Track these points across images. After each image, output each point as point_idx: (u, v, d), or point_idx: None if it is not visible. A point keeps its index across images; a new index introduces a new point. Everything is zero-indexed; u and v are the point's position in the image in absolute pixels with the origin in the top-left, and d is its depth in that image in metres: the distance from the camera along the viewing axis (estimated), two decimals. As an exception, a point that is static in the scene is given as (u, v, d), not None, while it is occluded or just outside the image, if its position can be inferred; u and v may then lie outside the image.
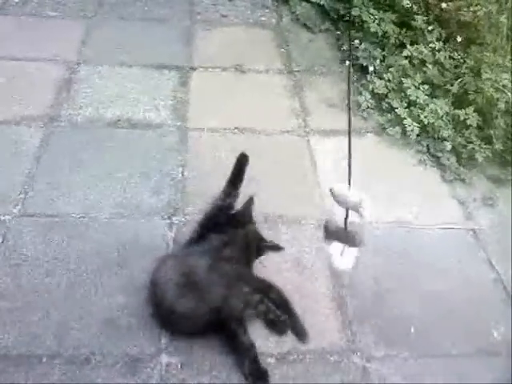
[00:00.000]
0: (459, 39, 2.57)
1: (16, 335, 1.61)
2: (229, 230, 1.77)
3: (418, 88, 2.53)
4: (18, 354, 1.57)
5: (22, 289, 1.74)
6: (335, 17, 3.26)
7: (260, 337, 1.67)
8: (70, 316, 1.67)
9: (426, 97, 2.50)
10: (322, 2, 3.27)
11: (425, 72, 2.61)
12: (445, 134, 2.40)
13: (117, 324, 1.66)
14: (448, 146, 2.38)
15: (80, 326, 1.65)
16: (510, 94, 2.35)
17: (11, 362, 1.54)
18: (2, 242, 1.86)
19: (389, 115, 2.55)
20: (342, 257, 1.44)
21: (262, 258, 1.89)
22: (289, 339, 1.68)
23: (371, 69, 2.72)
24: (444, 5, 2.67)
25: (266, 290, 1.72)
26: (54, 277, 1.78)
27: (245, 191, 2.14)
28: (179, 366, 1.57)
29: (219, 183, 2.17)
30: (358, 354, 1.67)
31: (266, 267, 1.89)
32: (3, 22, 3.05)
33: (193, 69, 2.88)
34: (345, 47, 3.03)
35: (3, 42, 2.89)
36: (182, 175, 2.22)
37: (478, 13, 2.55)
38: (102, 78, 2.72)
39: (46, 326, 1.64)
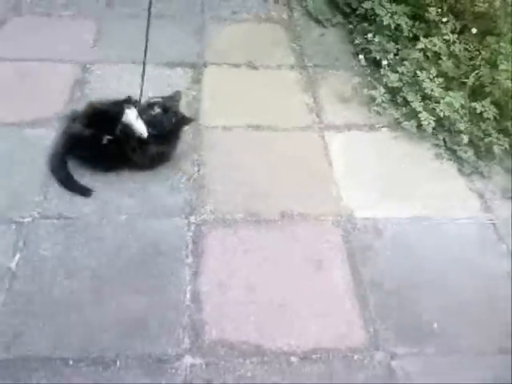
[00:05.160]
0: (474, 31, 2.53)
1: (41, 338, 1.63)
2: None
3: (433, 81, 2.50)
4: (44, 356, 1.59)
5: (45, 291, 1.76)
6: (347, 10, 3.23)
7: (284, 336, 1.67)
8: (93, 318, 1.69)
9: (441, 90, 2.48)
10: (333, -4, 3.25)
11: (439, 65, 2.58)
12: (461, 126, 2.38)
13: (140, 325, 1.68)
14: (465, 138, 2.36)
15: (103, 328, 1.66)
16: (527, 84, 2.32)
17: (38, 365, 1.57)
18: (24, 245, 1.88)
19: (404, 109, 2.53)
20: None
21: (280, 256, 1.90)
22: (311, 337, 1.68)
23: (385, 62, 2.69)
24: (458, -4, 2.64)
25: None
26: (75, 279, 1.79)
27: (259, 188, 2.15)
28: (203, 366, 1.58)
29: (236, 180, 2.19)
30: (382, 351, 1.68)
31: (284, 264, 1.89)
32: (17, 22, 3.05)
33: (205, 65, 2.87)
34: (357, 41, 3.00)
35: (17, 43, 2.89)
36: (198, 173, 2.22)
37: (494, 3, 2.51)
38: (115, 77, 2.71)
39: (70, 328, 1.66)
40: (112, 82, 2.68)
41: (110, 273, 1.82)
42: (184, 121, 2.23)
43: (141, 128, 2.09)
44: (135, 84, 2.65)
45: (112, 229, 1.96)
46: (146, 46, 2.17)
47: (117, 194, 2.10)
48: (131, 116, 2.09)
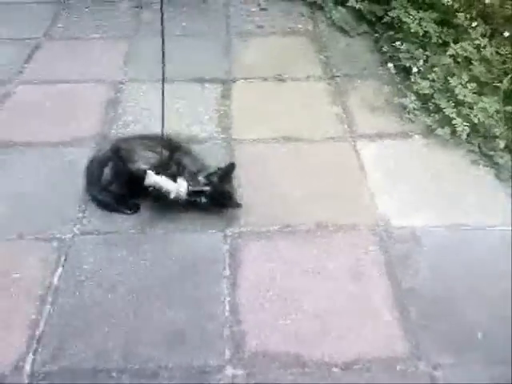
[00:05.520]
0: (507, 34, 2.50)
1: (84, 350, 1.65)
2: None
3: (465, 86, 2.47)
4: (87, 368, 1.61)
5: (87, 304, 1.79)
6: (372, 19, 3.24)
7: (324, 346, 1.66)
8: (135, 330, 1.71)
9: (474, 95, 2.45)
10: (357, 6, 3.25)
11: (471, 70, 2.55)
12: (497, 132, 2.34)
13: (180, 337, 1.69)
14: (501, 144, 2.32)
15: (145, 340, 1.68)
16: None
17: (82, 376, 1.59)
18: (65, 261, 1.92)
19: (436, 116, 2.50)
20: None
21: (317, 266, 1.91)
22: (352, 347, 1.67)
23: (415, 69, 2.68)
24: (487, 0, 2.61)
25: None
26: (116, 292, 1.82)
27: (293, 199, 2.16)
28: (245, 377, 1.58)
29: (270, 192, 2.20)
30: (425, 361, 1.64)
31: (322, 275, 1.88)
32: (50, 46, 3.16)
33: (233, 81, 2.91)
34: (384, 49, 3.00)
35: (51, 66, 2.99)
36: (232, 187, 2.24)
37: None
38: (146, 95, 2.77)
39: (112, 340, 1.68)
40: (143, 101, 2.73)
41: (150, 286, 1.84)
42: (231, 204, 2.09)
43: (168, 186, 1.98)
44: (166, 102, 2.72)
45: (150, 243, 1.99)
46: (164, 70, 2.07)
47: (154, 209, 2.13)
48: (153, 177, 1.98)
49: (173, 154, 2.12)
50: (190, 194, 2.02)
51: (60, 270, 1.89)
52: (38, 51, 3.13)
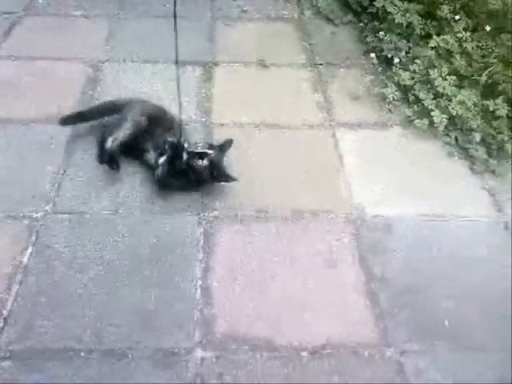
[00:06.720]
0: (488, 28, 2.52)
1: (53, 330, 1.64)
2: None
3: (445, 79, 2.49)
4: (56, 348, 1.60)
5: (57, 284, 1.77)
6: (358, 9, 3.23)
7: (294, 331, 1.67)
8: (105, 311, 1.70)
9: (454, 88, 2.47)
10: (343, -5, 3.25)
11: (452, 63, 2.57)
12: (473, 125, 2.36)
13: (151, 319, 1.69)
14: (477, 137, 2.34)
15: (115, 321, 1.67)
16: (540, 82, 2.31)
17: (50, 356, 1.58)
18: (36, 239, 1.90)
19: (415, 107, 2.52)
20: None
21: (291, 252, 1.92)
22: (322, 332, 1.68)
23: (397, 60, 2.69)
24: (471, -6, 2.63)
25: None
26: (87, 273, 1.81)
27: (269, 185, 2.16)
28: (214, 359, 1.59)
29: (247, 177, 2.19)
30: (392, 347, 1.67)
31: (295, 261, 1.89)
32: (29, 22, 3.08)
33: (216, 64, 2.88)
34: (368, 39, 3.00)
35: (30, 42, 2.92)
36: (209, 170, 2.23)
37: (508, 0, 2.50)
38: (126, 76, 2.73)
39: (82, 320, 1.67)
40: (123, 81, 2.69)
41: (122, 267, 1.83)
42: (228, 175, 2.11)
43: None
44: (147, 83, 2.69)
45: (124, 224, 1.98)
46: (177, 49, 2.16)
47: (128, 190, 2.11)
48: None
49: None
50: (193, 155, 2.04)
51: (30, 248, 1.87)
52: (17, 26, 3.05)
